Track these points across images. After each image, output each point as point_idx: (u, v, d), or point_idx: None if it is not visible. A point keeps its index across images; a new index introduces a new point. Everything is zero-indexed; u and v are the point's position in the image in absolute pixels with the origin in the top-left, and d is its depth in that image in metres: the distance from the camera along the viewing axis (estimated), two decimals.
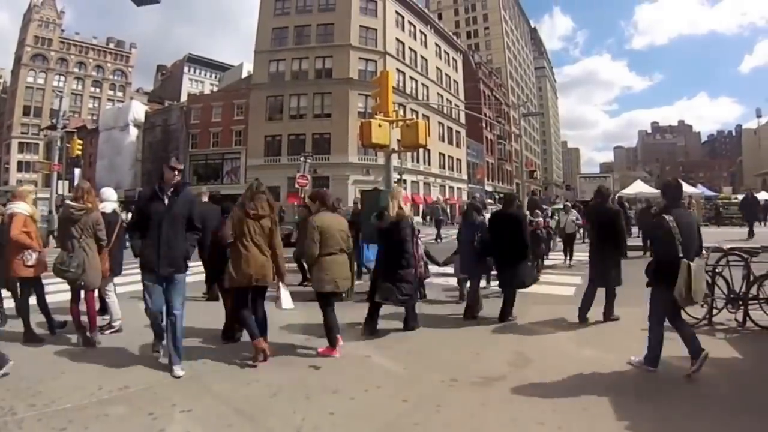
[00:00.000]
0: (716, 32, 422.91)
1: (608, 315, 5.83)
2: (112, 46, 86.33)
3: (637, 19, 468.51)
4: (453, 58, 57.18)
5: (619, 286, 5.83)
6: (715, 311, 5.52)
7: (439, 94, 51.47)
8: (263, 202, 4.40)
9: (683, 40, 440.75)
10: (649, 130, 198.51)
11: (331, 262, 4.64)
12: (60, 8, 79.83)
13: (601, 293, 5.84)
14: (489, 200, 41.87)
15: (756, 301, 5.40)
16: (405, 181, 38.04)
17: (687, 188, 32.16)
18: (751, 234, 15.61)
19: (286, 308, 4.55)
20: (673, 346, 4.80)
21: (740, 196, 37.80)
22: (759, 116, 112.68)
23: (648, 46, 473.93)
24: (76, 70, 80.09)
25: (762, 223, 17.20)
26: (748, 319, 5.41)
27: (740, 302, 5.44)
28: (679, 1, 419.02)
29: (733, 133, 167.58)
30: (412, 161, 43.33)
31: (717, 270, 5.66)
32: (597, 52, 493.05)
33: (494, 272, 6.78)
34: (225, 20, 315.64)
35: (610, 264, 5.74)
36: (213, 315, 5.57)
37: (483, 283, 7.41)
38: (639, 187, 32.56)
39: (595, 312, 6.27)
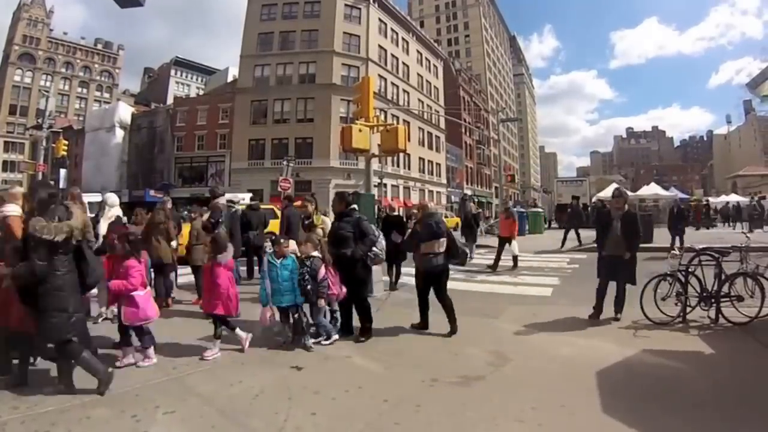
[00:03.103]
0: (685, 54, 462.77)
1: None
2: (99, 47, 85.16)
3: (615, 42, 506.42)
4: (434, 65, 57.70)
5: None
6: (688, 309, 5.66)
7: (419, 99, 51.87)
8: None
9: (657, 60, 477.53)
10: (625, 136, 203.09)
11: None
12: (49, 7, 78.55)
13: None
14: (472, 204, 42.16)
15: (728, 299, 5.56)
16: (385, 185, 38.16)
17: (660, 191, 33.11)
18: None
19: None
20: (646, 342, 4.93)
21: (711, 199, 38.86)
22: (729, 122, 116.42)
23: (625, 66, 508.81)
24: (63, 70, 78.90)
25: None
26: (720, 316, 5.56)
27: (713, 300, 5.60)
28: (653, 28, 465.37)
29: (705, 139, 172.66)
30: (393, 165, 43.51)
31: (690, 269, 5.81)
32: (577, 68, 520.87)
33: None
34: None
35: None
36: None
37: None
38: None
39: (574, 310, 6.37)
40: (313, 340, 4.90)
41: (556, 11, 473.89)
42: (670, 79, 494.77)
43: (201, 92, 69.33)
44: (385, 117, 32.23)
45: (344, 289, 5.19)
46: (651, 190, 33.36)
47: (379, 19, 45.70)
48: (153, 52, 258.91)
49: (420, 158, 50.73)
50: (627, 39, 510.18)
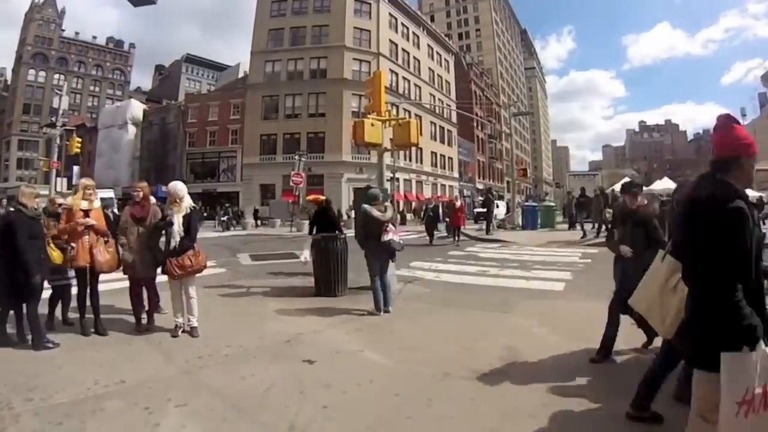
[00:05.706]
0: (696, 56, 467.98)
1: None
2: (111, 45, 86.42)
3: (628, 45, 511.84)
4: (445, 59, 57.38)
5: None
6: None
7: (431, 94, 51.66)
8: None
9: (670, 62, 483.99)
10: (637, 129, 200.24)
11: None
12: (60, 8, 79.78)
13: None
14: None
15: None
16: (398, 179, 38.13)
17: (673, 186, 32.58)
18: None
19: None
20: (659, 339, 4.85)
21: None
22: (744, 116, 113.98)
23: (639, 67, 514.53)
24: (75, 69, 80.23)
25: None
26: None
27: None
28: (665, 32, 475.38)
29: None
30: (405, 160, 43.47)
31: None
32: (593, 68, 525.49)
33: None
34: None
35: None
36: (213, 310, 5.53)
37: None
38: None
39: (587, 306, 6.33)
40: None
41: (570, 17, 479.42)
42: (683, 79, 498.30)
43: (212, 88, 69.90)
44: (397, 111, 32.19)
45: None
46: (664, 184, 32.89)
47: (390, 14, 45.57)
48: (166, 50, 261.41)
49: (432, 152, 50.63)
50: (641, 42, 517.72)
